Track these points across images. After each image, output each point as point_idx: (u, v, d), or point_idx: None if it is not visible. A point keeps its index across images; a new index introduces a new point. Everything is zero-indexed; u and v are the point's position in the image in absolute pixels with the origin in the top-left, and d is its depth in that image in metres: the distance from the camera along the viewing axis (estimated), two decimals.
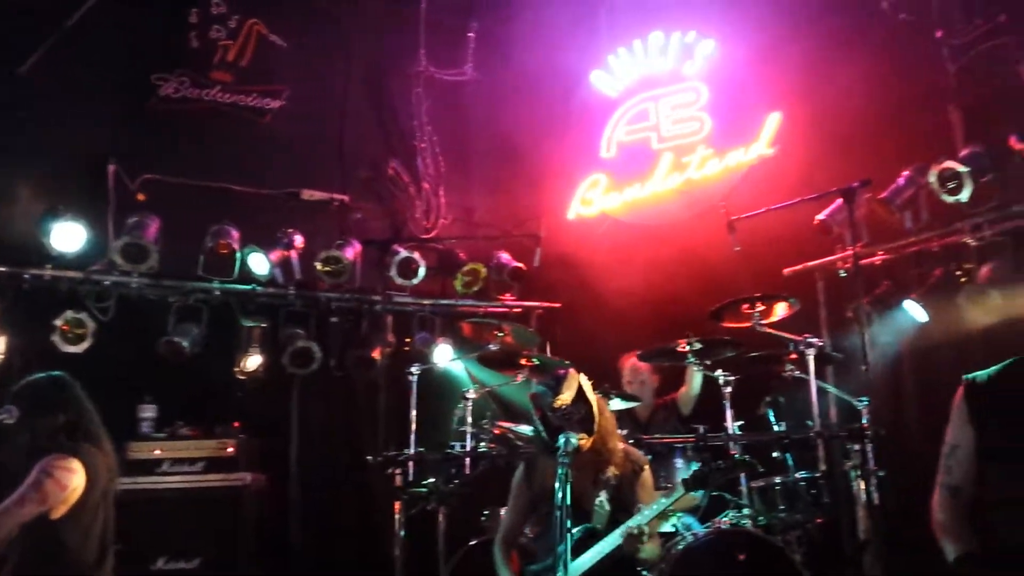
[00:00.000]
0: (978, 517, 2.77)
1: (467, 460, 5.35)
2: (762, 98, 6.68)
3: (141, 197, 6.23)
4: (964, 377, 2.84)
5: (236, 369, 6.26)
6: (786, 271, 6.29)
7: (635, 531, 3.43)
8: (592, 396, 3.74)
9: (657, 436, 5.26)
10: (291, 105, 6.98)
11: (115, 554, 3.70)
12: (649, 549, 3.50)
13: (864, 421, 4.67)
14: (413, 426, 5.57)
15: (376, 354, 6.26)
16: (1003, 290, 5.16)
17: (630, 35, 7.37)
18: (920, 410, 5.61)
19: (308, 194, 7.00)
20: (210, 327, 6.23)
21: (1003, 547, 2.67)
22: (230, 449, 5.32)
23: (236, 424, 5.55)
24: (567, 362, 4.46)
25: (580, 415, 3.64)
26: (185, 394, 5.85)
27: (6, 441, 3.66)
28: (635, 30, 7.35)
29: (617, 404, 5.23)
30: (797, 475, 4.86)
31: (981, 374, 2.83)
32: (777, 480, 4.87)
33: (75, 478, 3.54)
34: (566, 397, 3.64)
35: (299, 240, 6.54)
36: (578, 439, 3.54)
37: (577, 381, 3.72)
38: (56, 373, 3.83)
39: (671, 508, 3.92)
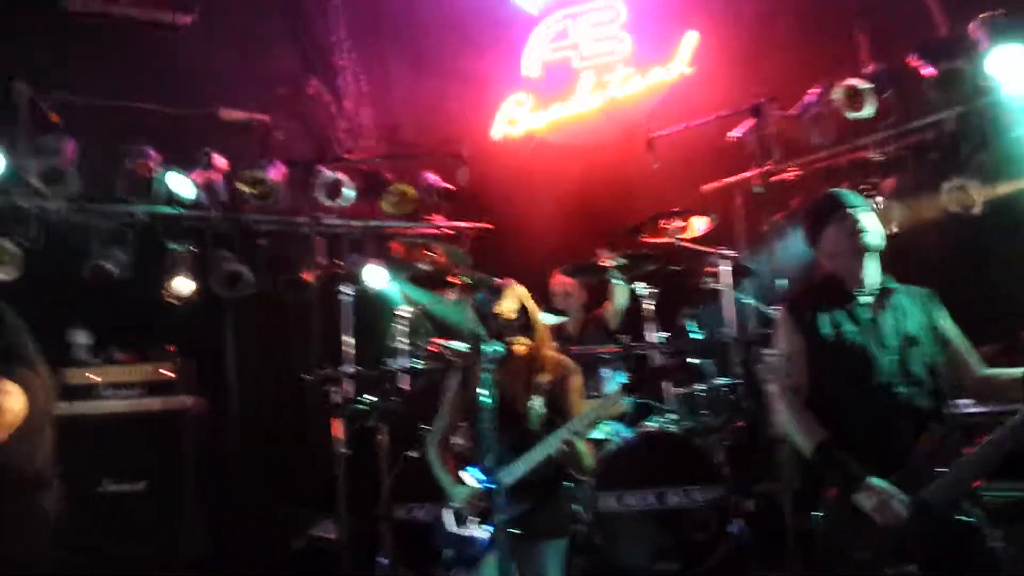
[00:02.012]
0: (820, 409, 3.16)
1: (404, 376, 5.52)
2: (680, 17, 6.81)
3: (55, 118, 6.00)
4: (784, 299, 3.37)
5: (165, 293, 6.22)
6: (705, 187, 6.54)
7: (569, 437, 3.56)
8: (531, 304, 3.91)
9: (585, 347, 5.50)
10: (205, 21, 6.76)
11: (61, 477, 3.73)
12: (582, 453, 3.69)
13: None
14: (349, 346, 5.70)
15: (307, 276, 6.29)
16: (904, 202, 5.53)
17: None
18: None
19: (227, 113, 6.82)
20: (137, 251, 6.14)
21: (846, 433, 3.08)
22: (168, 372, 5.34)
23: (171, 348, 5.54)
24: (497, 278, 4.59)
25: (521, 322, 3.80)
26: (118, 319, 5.80)
27: None
28: None
29: (547, 318, 5.43)
30: (717, 381, 5.20)
31: (794, 293, 3.47)
32: (699, 387, 5.20)
33: (12, 400, 3.54)
34: (508, 305, 3.79)
35: (221, 161, 6.41)
36: (516, 343, 3.72)
37: (517, 290, 3.88)
38: None
39: (602, 415, 4.13)
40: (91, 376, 5.29)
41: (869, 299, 3.22)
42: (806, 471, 3.22)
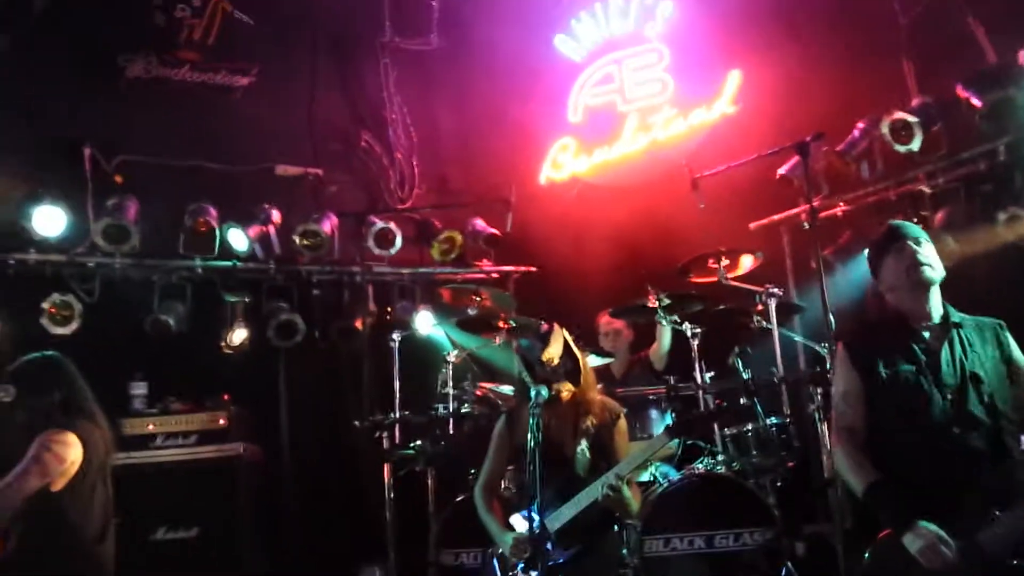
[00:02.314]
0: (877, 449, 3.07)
1: (451, 421, 5.54)
2: (722, 57, 6.82)
3: (119, 179, 6.30)
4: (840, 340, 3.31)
5: (222, 344, 6.40)
6: (752, 225, 6.49)
7: (615, 482, 3.53)
8: (576, 349, 3.90)
9: (631, 388, 5.46)
10: (260, 81, 7.02)
11: (116, 527, 3.84)
12: (628, 497, 3.64)
13: (828, 366, 4.89)
14: (397, 391, 5.76)
15: (358, 324, 6.40)
16: (956, 235, 5.39)
17: None
18: None
19: (282, 169, 7.09)
20: (194, 304, 6.37)
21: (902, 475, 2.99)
22: (222, 421, 5.47)
23: (226, 397, 5.69)
24: (544, 319, 4.60)
25: (567, 367, 3.79)
26: (174, 370, 5.98)
27: (3, 419, 3.79)
28: None
29: (593, 360, 5.41)
30: (768, 421, 5.09)
31: (853, 329, 3.48)
32: (748, 427, 5.08)
33: (72, 451, 3.66)
34: (554, 351, 3.79)
35: (276, 215, 6.65)
36: (562, 388, 3.71)
37: (562, 335, 3.87)
38: (49, 353, 3.93)
39: (650, 458, 4.08)
40: (148, 426, 5.42)
41: (930, 334, 3.13)
42: (858, 512, 3.14)
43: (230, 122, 6.88)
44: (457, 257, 7.08)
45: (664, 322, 5.49)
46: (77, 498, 3.67)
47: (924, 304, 3.13)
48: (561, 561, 3.47)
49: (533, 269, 7.32)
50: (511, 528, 3.74)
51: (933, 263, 3.14)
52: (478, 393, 5.66)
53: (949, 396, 3.02)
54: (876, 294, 3.33)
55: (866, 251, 3.42)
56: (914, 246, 3.13)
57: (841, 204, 6.09)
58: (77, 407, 3.84)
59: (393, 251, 6.71)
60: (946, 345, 3.09)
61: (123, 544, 3.84)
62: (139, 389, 5.72)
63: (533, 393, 3.53)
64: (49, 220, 5.75)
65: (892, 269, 3.18)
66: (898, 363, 3.09)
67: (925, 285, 3.12)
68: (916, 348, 3.10)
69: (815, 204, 5.24)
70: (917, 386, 3.04)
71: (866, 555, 3.05)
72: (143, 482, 5.14)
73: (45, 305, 5.79)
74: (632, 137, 7.16)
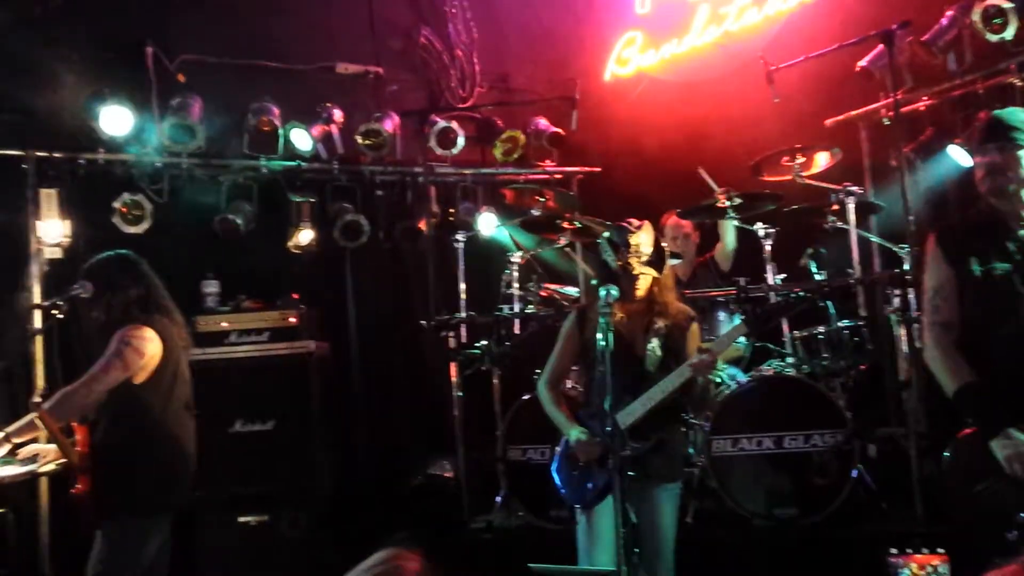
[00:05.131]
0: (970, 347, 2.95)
1: (516, 322, 5.56)
2: None
3: (181, 78, 6.27)
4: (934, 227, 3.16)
5: (290, 243, 6.47)
6: (828, 122, 6.24)
7: (707, 356, 3.49)
8: (662, 247, 3.81)
9: (699, 290, 5.39)
10: None
11: (195, 419, 3.97)
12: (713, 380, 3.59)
13: (906, 267, 4.75)
14: (462, 292, 5.78)
15: (422, 225, 6.40)
16: None
17: None
18: None
19: (343, 67, 6.98)
20: (261, 203, 6.39)
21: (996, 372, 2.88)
22: (292, 319, 5.54)
23: (295, 296, 5.76)
24: (607, 223, 4.51)
25: (654, 259, 3.74)
26: (244, 269, 6.04)
27: (82, 315, 3.89)
28: None
29: None
30: (839, 323, 4.99)
31: (946, 222, 3.33)
32: (820, 329, 5.00)
33: (151, 346, 3.75)
34: (643, 239, 3.72)
35: (338, 115, 6.59)
36: (645, 275, 3.68)
37: (651, 231, 3.81)
38: (124, 251, 4.00)
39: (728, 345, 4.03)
40: (221, 323, 5.54)
41: None
42: (939, 412, 3.07)
43: (290, 20, 6.77)
44: (520, 157, 6.97)
45: (731, 221, 5.37)
46: (157, 388, 3.78)
47: (1017, 205, 2.98)
48: (630, 458, 3.47)
49: (597, 169, 7.17)
50: (580, 423, 3.75)
51: (1013, 172, 2.94)
52: (543, 294, 5.66)
53: None
54: (971, 185, 3.16)
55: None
56: (999, 155, 2.95)
57: (924, 98, 5.79)
58: (154, 303, 3.92)
59: (455, 151, 6.62)
60: None
61: (202, 436, 3.96)
62: (211, 287, 5.81)
63: (603, 292, 3.48)
64: (116, 119, 5.76)
65: (980, 169, 3.02)
66: (992, 260, 2.96)
67: (1006, 196, 2.97)
68: (1011, 246, 2.96)
69: (897, 97, 5.00)
70: (1010, 285, 2.92)
71: (946, 453, 3.01)
72: (218, 377, 5.25)
73: (116, 205, 5.87)
74: (703, 29, 6.86)
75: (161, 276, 4.03)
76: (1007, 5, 5.12)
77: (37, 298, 5.57)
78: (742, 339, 4.93)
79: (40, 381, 5.39)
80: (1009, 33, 5.16)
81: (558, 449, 3.85)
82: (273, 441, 5.34)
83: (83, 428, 3.66)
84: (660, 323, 3.73)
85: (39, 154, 5.82)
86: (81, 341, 4.22)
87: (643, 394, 3.59)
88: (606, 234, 3.82)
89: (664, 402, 3.58)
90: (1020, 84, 5.33)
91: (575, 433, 3.68)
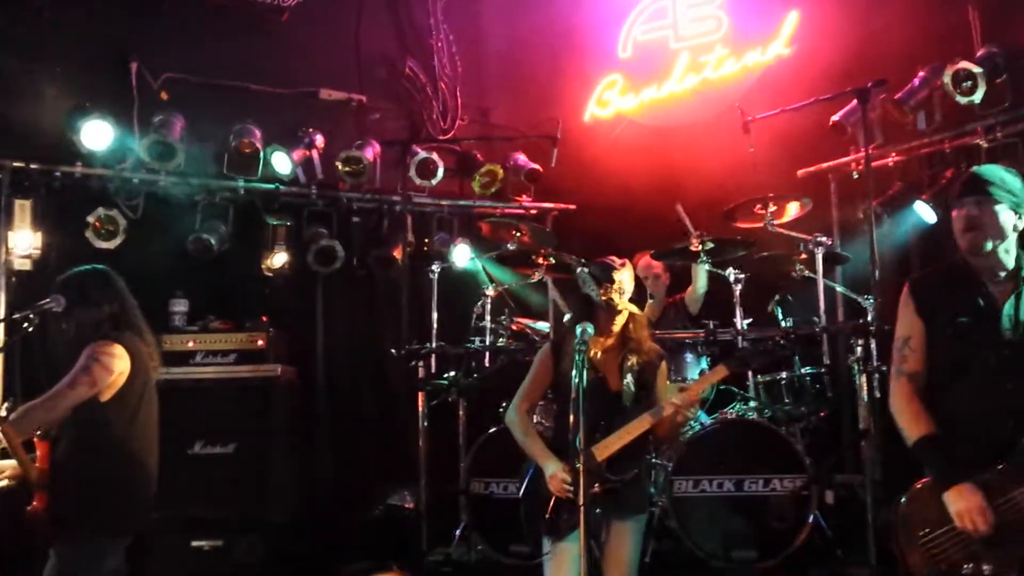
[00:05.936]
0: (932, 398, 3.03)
1: (486, 354, 5.58)
2: None
3: (165, 96, 6.29)
4: (908, 279, 3.21)
5: (263, 265, 6.46)
6: (800, 172, 6.37)
7: (687, 395, 3.56)
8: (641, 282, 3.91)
9: (667, 331, 5.45)
10: (308, 3, 6.93)
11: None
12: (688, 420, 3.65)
13: (869, 318, 4.85)
14: (434, 322, 5.80)
15: (397, 253, 6.42)
16: None
17: None
18: None
19: (326, 93, 7.03)
20: (236, 225, 6.40)
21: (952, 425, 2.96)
22: (260, 342, 5.53)
23: (264, 318, 5.75)
24: (583, 260, 4.57)
25: (634, 294, 3.82)
26: (214, 290, 6.05)
27: (53, 329, 3.84)
28: None
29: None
30: (802, 370, 5.08)
31: (920, 274, 3.33)
32: (783, 374, 5.08)
33: (120, 363, 3.71)
34: (625, 276, 3.78)
35: (320, 140, 6.64)
36: (624, 309, 3.75)
37: (632, 269, 3.89)
38: (100, 267, 3.96)
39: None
40: (188, 343, 5.51)
41: (995, 288, 3.01)
42: (895, 461, 3.12)
43: (276, 44, 6.82)
44: (497, 191, 7.05)
45: (703, 265, 5.45)
46: (123, 407, 3.73)
47: (987, 260, 3.01)
48: (609, 487, 3.50)
49: (572, 207, 7.27)
50: (554, 454, 3.69)
51: (989, 227, 2.97)
52: (514, 328, 5.69)
53: (1005, 351, 2.94)
54: (935, 240, 3.24)
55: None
56: (976, 208, 2.98)
57: (893, 154, 5.95)
58: (126, 320, 3.88)
59: (435, 182, 6.69)
60: (1012, 299, 2.98)
61: (163, 456, 3.91)
62: (180, 306, 5.80)
63: (579, 330, 3.50)
64: (96, 134, 5.76)
65: (959, 222, 3.04)
66: (957, 314, 3.01)
67: (975, 253, 3.02)
68: (979, 300, 3.01)
69: (869, 152, 5.13)
70: (972, 339, 2.97)
71: (902, 499, 3.05)
72: (182, 397, 5.20)
73: (90, 219, 5.85)
74: (682, 76, 7.01)
75: (131, 292, 4.01)
76: (977, 70, 5.29)
77: (1, 310, 5.51)
78: None
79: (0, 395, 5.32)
80: (977, 96, 5.33)
81: (527, 476, 3.82)
82: (232, 465, 5.30)
83: (44, 444, 3.61)
84: (633, 359, 3.77)
85: (15, 164, 5.81)
86: (46, 355, 4.17)
87: (618, 428, 3.61)
88: (587, 269, 3.88)
89: (638, 437, 3.61)
90: (986, 146, 5.49)
91: (552, 467, 3.64)
